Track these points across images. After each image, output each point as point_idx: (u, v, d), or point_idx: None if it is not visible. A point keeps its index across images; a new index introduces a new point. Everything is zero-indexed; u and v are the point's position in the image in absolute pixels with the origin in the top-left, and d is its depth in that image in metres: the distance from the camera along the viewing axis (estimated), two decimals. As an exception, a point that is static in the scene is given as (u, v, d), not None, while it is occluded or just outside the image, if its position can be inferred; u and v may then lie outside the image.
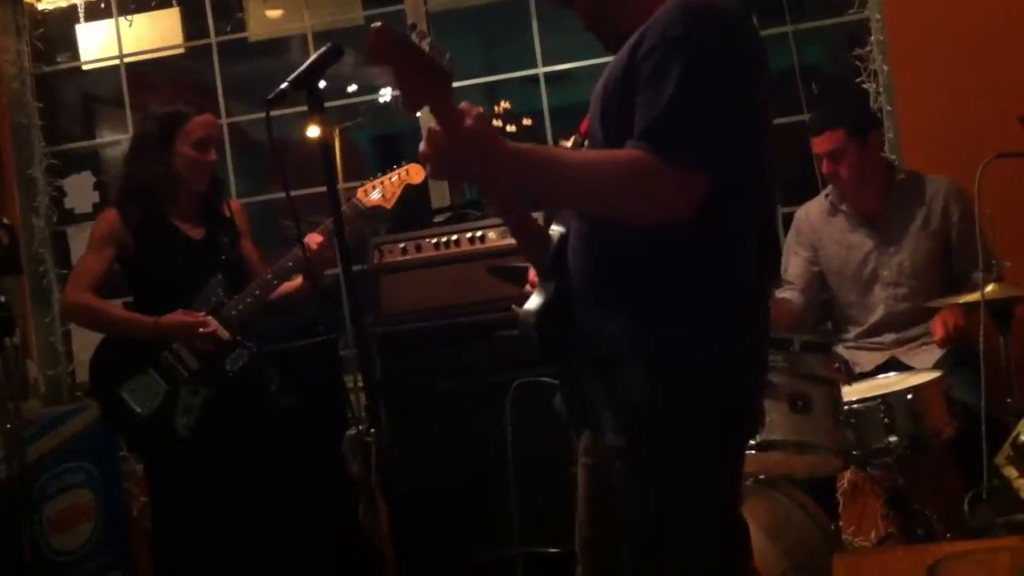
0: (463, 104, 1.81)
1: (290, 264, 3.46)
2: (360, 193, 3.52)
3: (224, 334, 3.40)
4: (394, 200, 3.57)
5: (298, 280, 3.53)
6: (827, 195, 3.81)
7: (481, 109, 1.80)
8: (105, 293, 3.55)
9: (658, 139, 1.80)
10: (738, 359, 1.96)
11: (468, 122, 1.76)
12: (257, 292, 3.46)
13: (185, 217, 3.54)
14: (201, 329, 3.38)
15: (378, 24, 1.81)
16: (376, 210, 3.54)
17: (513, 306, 2.09)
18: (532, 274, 2.21)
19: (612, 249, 1.96)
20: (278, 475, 3.85)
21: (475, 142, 1.76)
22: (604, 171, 1.83)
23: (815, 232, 3.82)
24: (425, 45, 1.81)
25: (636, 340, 1.93)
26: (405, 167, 3.57)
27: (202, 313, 3.42)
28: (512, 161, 1.81)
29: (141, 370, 3.43)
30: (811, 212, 3.86)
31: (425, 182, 4.57)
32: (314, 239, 3.39)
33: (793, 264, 3.85)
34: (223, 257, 3.54)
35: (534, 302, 2.03)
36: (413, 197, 4.66)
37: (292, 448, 3.87)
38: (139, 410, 3.41)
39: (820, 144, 3.66)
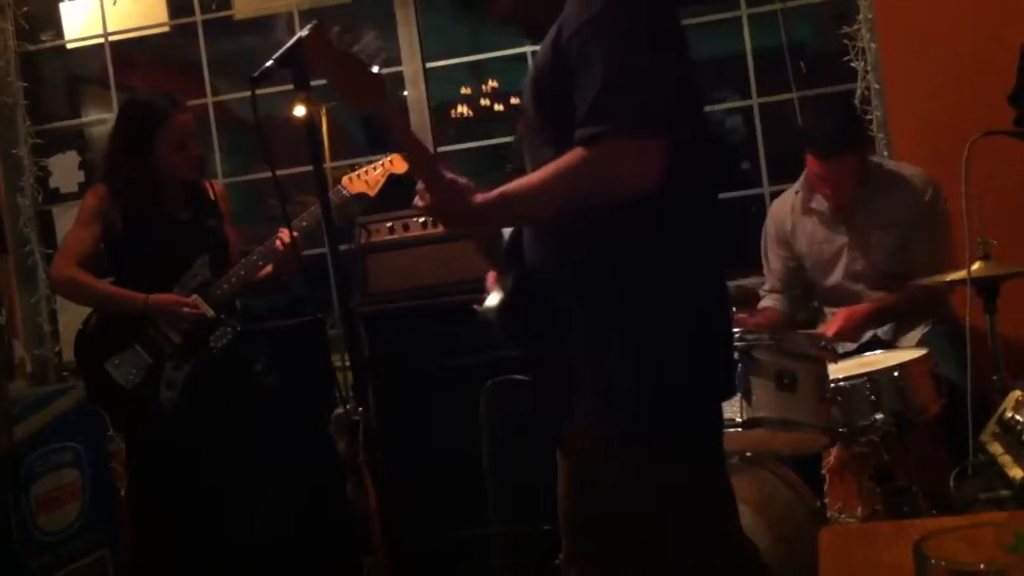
0: (421, 188, 1.97)
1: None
2: (345, 180, 3.60)
3: (209, 312, 3.46)
4: (377, 188, 3.66)
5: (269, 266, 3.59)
6: (797, 192, 3.78)
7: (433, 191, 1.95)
8: (93, 271, 3.55)
9: (601, 119, 1.83)
10: (701, 339, 1.99)
11: (436, 197, 1.93)
12: (242, 272, 3.53)
13: (171, 199, 3.57)
14: (187, 309, 3.43)
15: (316, 23, 1.84)
16: (359, 197, 3.65)
17: (474, 305, 2.12)
18: (490, 276, 2.23)
19: (567, 239, 1.99)
20: (265, 455, 3.85)
21: (446, 214, 1.98)
22: (559, 181, 1.88)
23: (788, 229, 3.80)
24: (358, 48, 1.84)
25: (597, 326, 1.96)
26: (389, 157, 3.65)
27: (188, 292, 3.48)
28: (484, 216, 1.94)
29: (127, 345, 3.48)
30: (783, 209, 3.83)
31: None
32: (284, 236, 3.44)
33: (773, 262, 3.86)
34: (210, 238, 3.59)
35: (494, 299, 2.06)
36: (398, 175, 4.64)
37: (279, 427, 3.86)
38: (123, 384, 3.46)
39: (834, 166, 3.56)
